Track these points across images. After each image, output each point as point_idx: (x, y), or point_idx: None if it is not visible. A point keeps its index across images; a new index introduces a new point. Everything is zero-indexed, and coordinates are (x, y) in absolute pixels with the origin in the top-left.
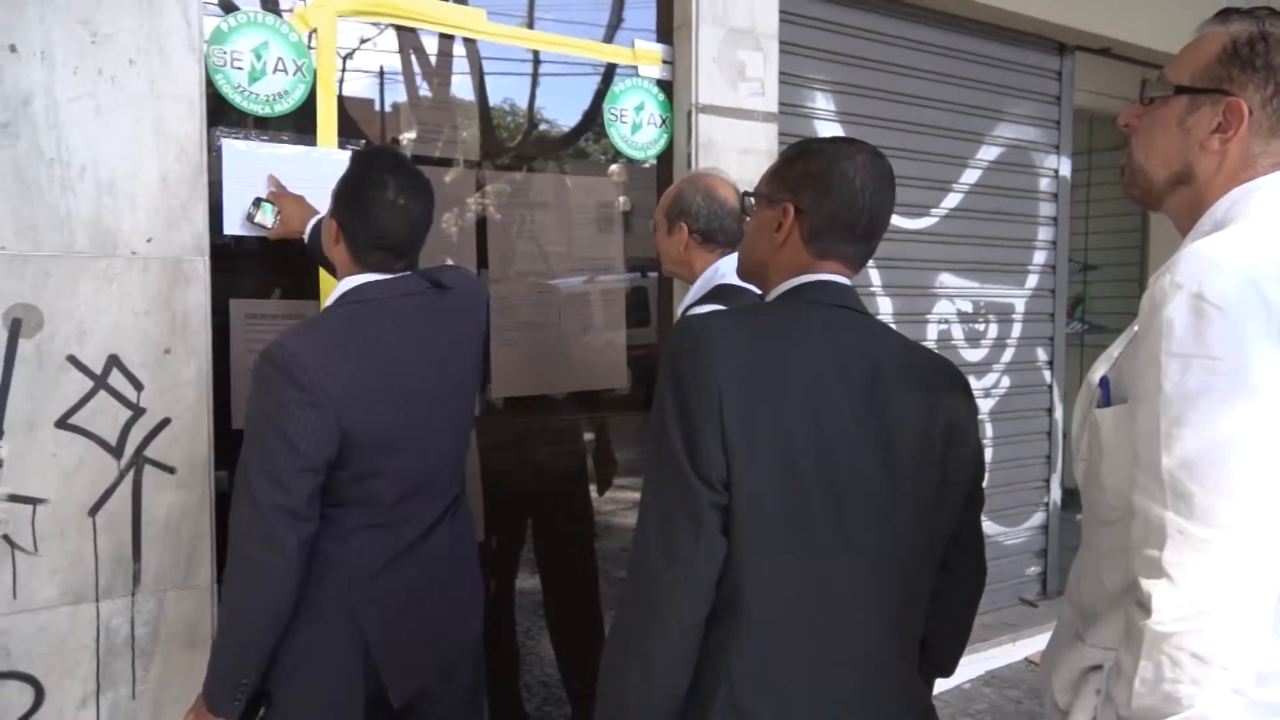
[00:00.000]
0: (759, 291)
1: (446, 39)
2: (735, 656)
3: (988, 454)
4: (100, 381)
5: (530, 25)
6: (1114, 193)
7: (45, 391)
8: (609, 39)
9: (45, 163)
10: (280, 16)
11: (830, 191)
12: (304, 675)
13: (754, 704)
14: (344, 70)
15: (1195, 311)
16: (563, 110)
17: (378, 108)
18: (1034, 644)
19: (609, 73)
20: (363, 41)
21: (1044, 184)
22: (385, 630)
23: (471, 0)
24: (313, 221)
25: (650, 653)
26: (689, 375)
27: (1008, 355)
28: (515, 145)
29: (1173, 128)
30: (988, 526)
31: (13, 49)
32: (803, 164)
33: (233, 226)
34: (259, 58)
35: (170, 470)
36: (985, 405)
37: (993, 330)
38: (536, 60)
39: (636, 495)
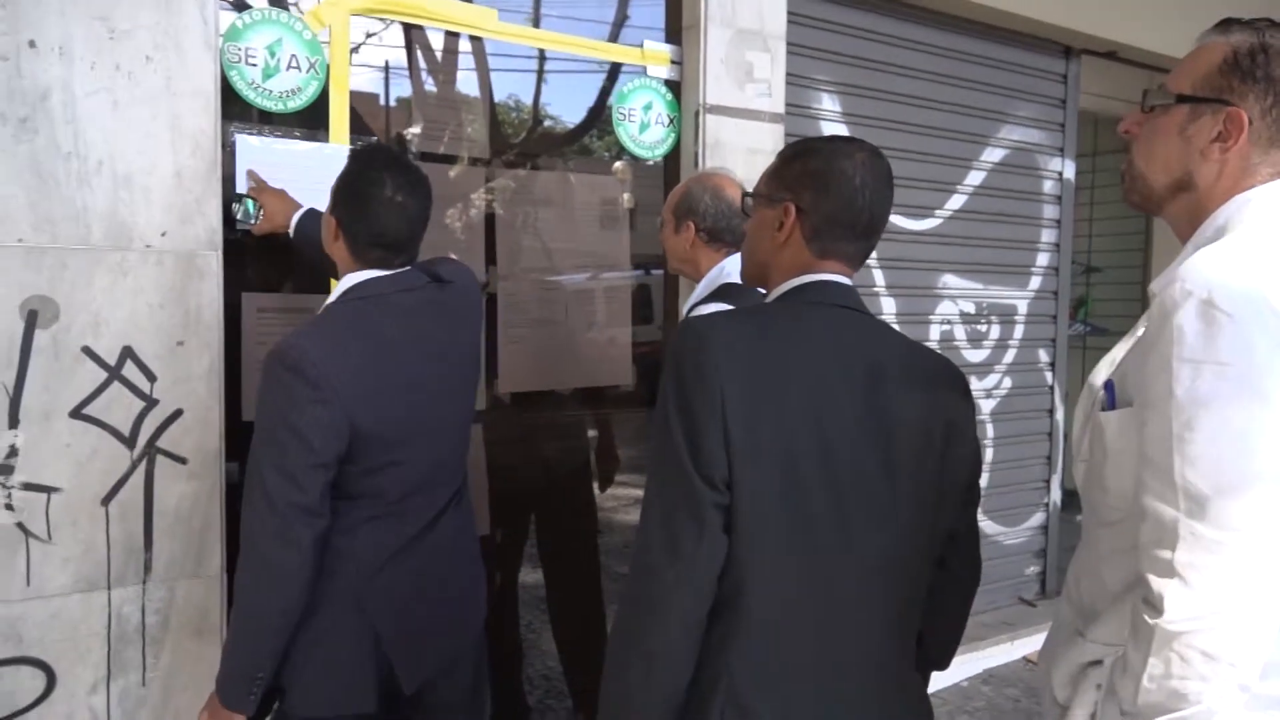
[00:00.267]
0: (764, 291)
1: (457, 37)
2: (736, 654)
3: (989, 454)
4: (114, 373)
5: (537, 24)
6: (1118, 195)
7: (60, 382)
8: (616, 38)
9: (63, 157)
10: (294, 14)
11: (829, 190)
12: (316, 667)
13: (755, 701)
14: (355, 67)
15: (1205, 318)
16: (571, 108)
17: (390, 105)
18: (1032, 643)
19: (617, 72)
20: (368, 36)
21: (1048, 186)
22: (394, 620)
23: None
24: (297, 215)
25: (652, 649)
26: (692, 375)
27: (1010, 356)
28: (524, 142)
29: (1173, 136)
30: (988, 526)
31: (32, 44)
32: (801, 163)
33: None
34: (273, 54)
35: (182, 461)
36: (987, 406)
37: (995, 331)
38: (545, 58)
39: (639, 491)
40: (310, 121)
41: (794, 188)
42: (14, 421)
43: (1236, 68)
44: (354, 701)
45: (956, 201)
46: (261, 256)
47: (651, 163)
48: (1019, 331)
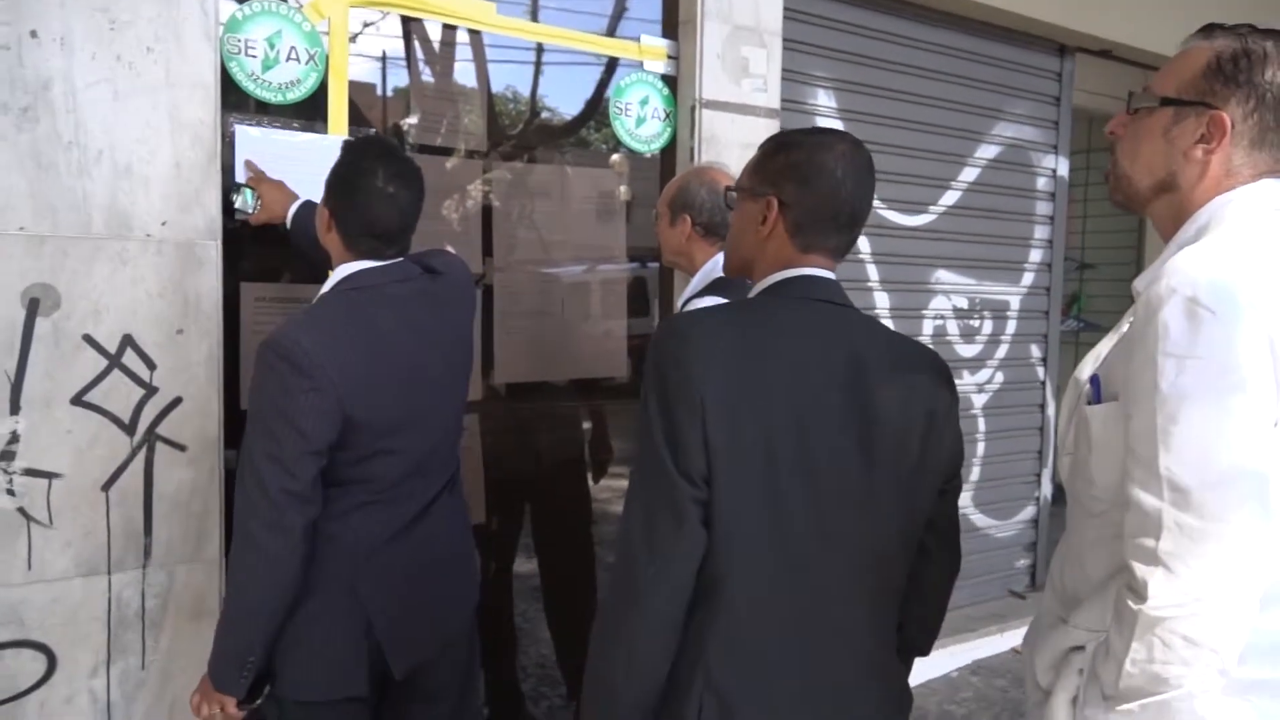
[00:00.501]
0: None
1: (455, 30)
2: (714, 643)
3: (980, 448)
4: (114, 360)
5: (535, 17)
6: None
7: (61, 369)
8: (613, 32)
9: (63, 146)
10: (294, 6)
11: (810, 183)
12: (307, 651)
13: (733, 688)
14: (354, 59)
15: (1189, 315)
16: (568, 101)
17: (389, 96)
18: (1021, 635)
19: (614, 66)
20: (366, 26)
21: (1041, 183)
22: (386, 605)
23: None
24: (294, 206)
25: (632, 639)
26: (673, 372)
27: (1002, 351)
28: (521, 135)
29: (1157, 137)
30: (978, 519)
31: (33, 34)
32: (783, 156)
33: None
34: (272, 46)
35: (181, 448)
36: (978, 400)
37: (988, 326)
38: (542, 52)
39: None
40: (309, 113)
41: (776, 181)
42: (15, 408)
43: (1220, 72)
44: (344, 686)
45: (950, 197)
46: (260, 246)
47: (648, 156)
48: (1011, 327)
